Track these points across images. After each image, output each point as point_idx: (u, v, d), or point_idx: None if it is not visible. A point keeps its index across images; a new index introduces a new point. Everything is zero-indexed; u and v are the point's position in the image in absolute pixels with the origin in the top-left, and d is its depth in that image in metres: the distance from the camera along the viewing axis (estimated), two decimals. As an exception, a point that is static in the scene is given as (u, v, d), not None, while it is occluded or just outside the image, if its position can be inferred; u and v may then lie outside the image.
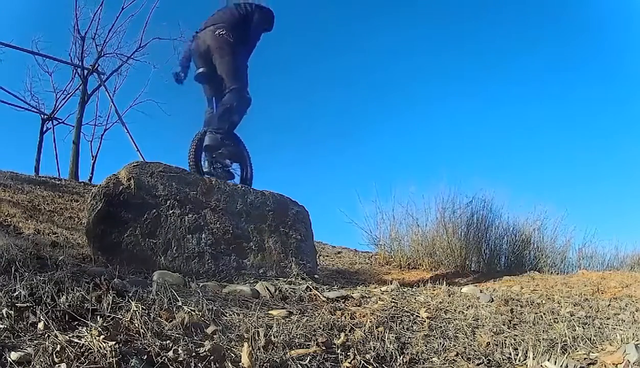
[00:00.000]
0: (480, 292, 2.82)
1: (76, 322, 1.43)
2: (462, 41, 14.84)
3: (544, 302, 2.61)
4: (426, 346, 1.72)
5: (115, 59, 9.00)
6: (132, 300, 1.61)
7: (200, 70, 3.24)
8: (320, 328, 1.76)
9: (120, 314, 1.51)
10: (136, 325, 1.44)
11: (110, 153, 9.45)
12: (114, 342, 1.27)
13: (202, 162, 3.21)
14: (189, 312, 1.64)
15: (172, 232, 2.61)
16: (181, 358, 1.29)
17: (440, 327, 1.97)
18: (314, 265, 3.24)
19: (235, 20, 3.26)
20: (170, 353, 1.31)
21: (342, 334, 1.72)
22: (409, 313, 2.13)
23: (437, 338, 1.82)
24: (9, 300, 1.47)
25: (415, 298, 2.53)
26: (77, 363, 1.19)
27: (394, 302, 2.37)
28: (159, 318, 1.57)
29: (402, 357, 1.58)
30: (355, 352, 1.56)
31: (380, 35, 14.56)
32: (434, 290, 2.83)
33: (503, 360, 1.65)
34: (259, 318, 1.78)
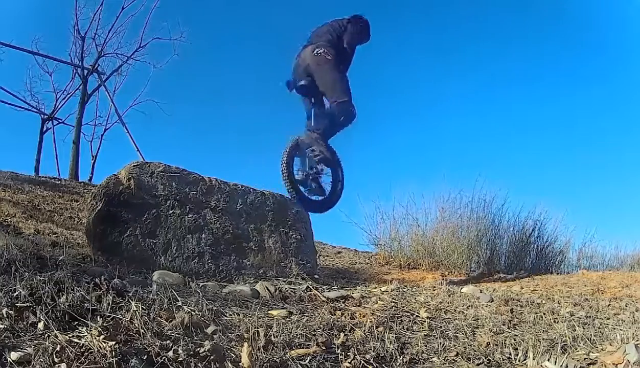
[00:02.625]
0: (480, 292, 2.82)
1: (76, 322, 1.43)
2: (462, 41, 14.85)
3: (544, 302, 2.61)
4: (426, 346, 1.72)
5: (115, 59, 9.02)
6: (132, 300, 1.61)
7: (302, 82, 3.27)
8: (320, 328, 1.76)
9: (120, 314, 1.51)
10: (136, 325, 1.44)
11: (110, 153, 9.46)
12: (114, 342, 1.27)
13: (294, 170, 3.24)
14: (189, 312, 1.64)
15: (172, 232, 2.61)
16: (181, 358, 1.29)
17: (440, 327, 1.97)
18: (314, 265, 3.24)
19: (332, 37, 3.34)
20: (170, 353, 1.31)
21: (342, 334, 1.72)
22: (409, 313, 2.13)
23: (437, 338, 1.82)
24: (9, 300, 1.47)
25: (415, 298, 2.53)
26: (77, 363, 1.19)
27: (394, 302, 2.37)
28: (159, 318, 1.57)
29: (402, 357, 1.58)
30: (355, 352, 1.56)
31: (380, 35, 14.54)
32: (434, 290, 2.83)
33: (503, 360, 1.65)
34: (259, 318, 1.78)
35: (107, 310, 1.53)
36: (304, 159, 3.29)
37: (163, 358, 1.27)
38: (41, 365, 1.17)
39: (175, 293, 1.80)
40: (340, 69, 3.27)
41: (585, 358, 1.64)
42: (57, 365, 1.18)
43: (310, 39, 3.45)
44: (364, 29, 3.47)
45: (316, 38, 3.38)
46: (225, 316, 1.76)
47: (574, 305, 2.52)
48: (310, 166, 3.31)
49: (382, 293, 2.63)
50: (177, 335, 1.45)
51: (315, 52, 3.21)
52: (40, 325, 1.38)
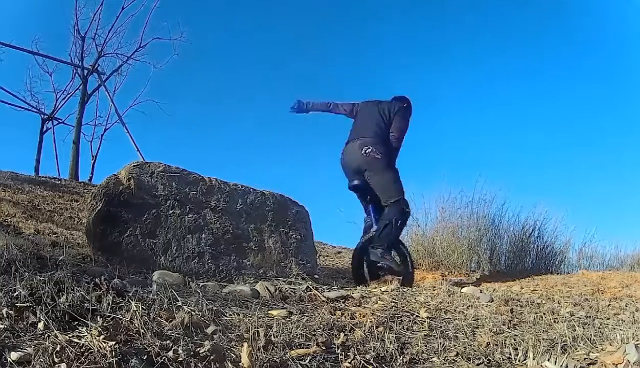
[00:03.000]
0: (480, 292, 2.82)
1: (76, 322, 1.43)
2: (462, 40, 14.85)
3: (544, 302, 2.61)
4: (426, 346, 1.72)
5: (115, 59, 9.04)
6: (132, 300, 1.61)
7: (355, 182, 3.24)
8: (320, 328, 1.76)
9: (120, 314, 1.51)
10: (136, 325, 1.44)
11: (110, 153, 9.48)
12: (114, 342, 1.27)
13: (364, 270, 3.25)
14: (189, 312, 1.64)
15: (172, 232, 2.61)
16: (181, 358, 1.29)
17: (440, 327, 1.97)
18: (314, 265, 3.24)
19: (379, 130, 3.23)
20: (170, 353, 1.31)
21: (342, 334, 1.72)
22: (409, 313, 2.13)
23: (437, 338, 1.82)
24: (9, 300, 1.47)
25: (415, 298, 2.53)
26: (77, 363, 1.19)
27: (394, 302, 2.37)
28: (159, 318, 1.57)
29: (402, 357, 1.58)
30: (355, 352, 1.55)
31: (380, 35, 14.58)
32: (434, 290, 2.83)
33: (503, 360, 1.64)
34: (259, 318, 1.78)
35: (107, 310, 1.53)
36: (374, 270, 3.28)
37: (163, 358, 1.27)
38: (41, 365, 1.17)
39: (175, 293, 1.80)
40: (390, 165, 3.21)
41: (585, 358, 1.64)
42: (57, 365, 1.18)
43: (357, 129, 3.33)
44: (411, 113, 3.42)
45: (363, 130, 3.27)
46: (225, 316, 1.76)
47: (574, 305, 2.52)
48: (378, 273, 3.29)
49: (382, 293, 2.63)
50: (177, 335, 1.45)
51: (363, 151, 3.14)
52: (40, 325, 1.38)
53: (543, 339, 1.80)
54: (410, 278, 3.24)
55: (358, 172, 3.21)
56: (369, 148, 3.13)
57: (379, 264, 3.10)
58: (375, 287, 2.93)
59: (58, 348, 1.22)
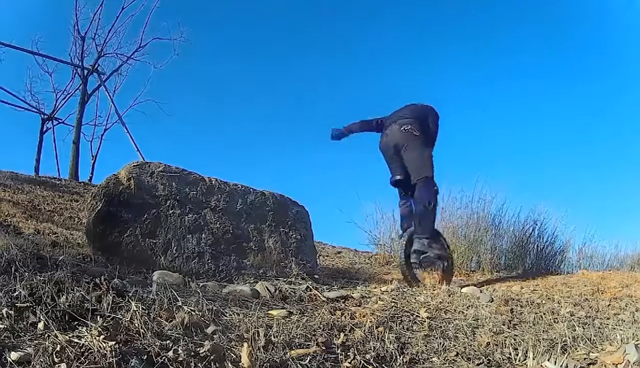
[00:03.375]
0: (480, 292, 2.82)
1: (76, 322, 1.43)
2: (462, 40, 14.85)
3: (544, 302, 2.61)
4: (426, 346, 1.72)
5: (115, 59, 9.04)
6: (132, 300, 1.61)
7: (397, 177, 3.40)
8: (320, 328, 1.76)
9: (120, 314, 1.51)
10: (136, 325, 1.44)
11: (110, 153, 9.49)
12: (114, 342, 1.27)
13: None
14: (189, 312, 1.64)
15: (172, 232, 2.61)
16: (181, 358, 1.29)
17: (440, 327, 1.97)
18: (314, 265, 3.24)
19: (418, 115, 3.47)
20: (170, 353, 1.31)
21: (342, 334, 1.72)
22: (409, 313, 2.13)
23: (437, 338, 1.82)
24: (9, 300, 1.47)
25: (415, 298, 2.53)
26: (77, 363, 1.19)
27: (394, 302, 2.37)
28: (159, 318, 1.57)
29: (402, 357, 1.58)
30: (355, 352, 1.55)
31: (380, 34, 14.58)
32: (434, 290, 2.83)
33: (503, 360, 1.64)
34: (259, 318, 1.78)
35: (107, 310, 1.53)
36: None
37: (163, 358, 1.27)
38: (41, 365, 1.17)
39: (175, 293, 1.80)
40: (426, 144, 3.37)
41: (585, 358, 1.64)
42: (57, 365, 1.18)
43: (394, 117, 3.55)
44: (436, 116, 3.63)
45: (401, 117, 3.48)
46: (225, 316, 1.76)
47: (574, 305, 2.52)
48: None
49: (382, 293, 2.63)
50: (177, 335, 1.45)
51: (402, 128, 3.33)
52: (40, 325, 1.38)
53: (543, 339, 1.80)
54: (451, 271, 3.34)
55: (396, 151, 3.36)
56: (408, 126, 3.32)
57: (427, 253, 3.22)
58: (376, 287, 2.93)
59: (58, 348, 1.22)
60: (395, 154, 3.38)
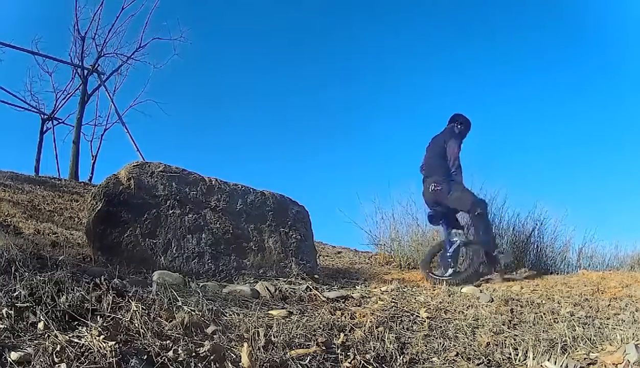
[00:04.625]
0: (480, 292, 2.82)
1: (76, 322, 1.43)
2: (461, 40, 14.85)
3: (544, 302, 2.61)
4: (426, 346, 1.72)
5: (115, 59, 9.02)
6: (132, 300, 1.61)
7: (430, 212, 4.01)
8: (320, 328, 1.76)
9: (120, 314, 1.51)
10: (136, 325, 1.44)
11: (110, 153, 9.47)
12: (114, 342, 1.27)
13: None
14: (189, 312, 1.64)
15: (172, 232, 2.61)
16: (181, 358, 1.29)
17: (440, 327, 1.97)
18: (314, 265, 3.24)
19: (440, 165, 3.85)
20: (170, 353, 1.31)
21: (342, 334, 1.72)
22: (409, 313, 2.13)
23: (437, 338, 1.82)
24: (9, 300, 1.47)
25: (415, 298, 2.53)
26: (77, 363, 1.19)
27: (394, 302, 2.37)
28: (159, 318, 1.57)
29: (402, 357, 1.58)
30: (355, 351, 1.56)
31: (381, 34, 14.59)
32: (434, 290, 2.83)
33: (503, 360, 1.65)
34: (259, 318, 1.78)
35: (107, 310, 1.53)
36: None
37: (163, 358, 1.27)
38: (41, 365, 1.17)
39: (175, 293, 1.80)
40: (452, 188, 3.76)
41: (585, 358, 1.64)
42: (57, 365, 1.18)
43: (427, 167, 3.99)
44: (461, 130, 4.01)
45: (428, 169, 3.94)
46: (225, 316, 1.76)
47: (574, 305, 2.52)
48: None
49: (382, 293, 2.63)
50: (177, 335, 1.45)
51: (431, 189, 3.82)
52: (40, 325, 1.38)
53: (543, 339, 1.80)
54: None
55: (434, 205, 3.92)
56: (432, 186, 3.81)
57: (494, 253, 3.73)
58: (376, 287, 2.93)
59: (58, 348, 1.22)
60: (434, 206, 3.89)
